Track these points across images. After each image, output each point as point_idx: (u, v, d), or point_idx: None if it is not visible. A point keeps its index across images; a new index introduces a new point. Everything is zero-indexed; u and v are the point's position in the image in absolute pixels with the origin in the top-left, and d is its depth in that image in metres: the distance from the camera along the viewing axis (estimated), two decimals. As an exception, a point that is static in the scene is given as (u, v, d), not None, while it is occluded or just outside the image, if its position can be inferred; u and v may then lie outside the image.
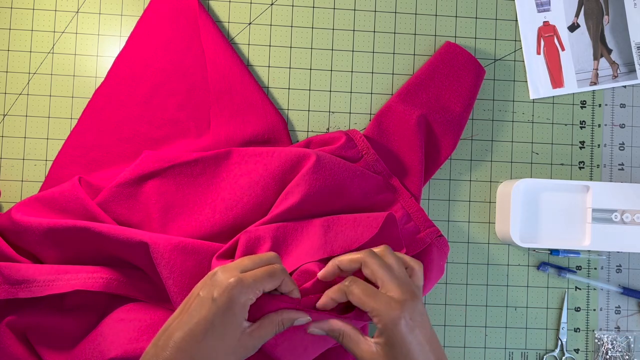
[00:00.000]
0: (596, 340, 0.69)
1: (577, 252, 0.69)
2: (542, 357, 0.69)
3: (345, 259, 0.51)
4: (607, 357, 0.68)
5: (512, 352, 0.69)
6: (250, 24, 0.69)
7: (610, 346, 0.69)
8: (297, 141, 0.69)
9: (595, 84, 0.71)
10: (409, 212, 0.64)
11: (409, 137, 0.66)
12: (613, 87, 0.72)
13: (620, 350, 0.69)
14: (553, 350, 0.69)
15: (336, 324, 0.50)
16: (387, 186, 0.65)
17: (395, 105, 0.67)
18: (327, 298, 0.50)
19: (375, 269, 0.49)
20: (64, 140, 0.67)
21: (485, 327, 0.69)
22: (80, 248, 0.60)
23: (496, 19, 0.71)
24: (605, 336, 0.69)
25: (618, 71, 0.71)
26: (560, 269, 0.69)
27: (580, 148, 0.71)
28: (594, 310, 0.70)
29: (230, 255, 0.58)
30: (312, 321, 0.50)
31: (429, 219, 0.64)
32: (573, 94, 0.72)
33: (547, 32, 0.71)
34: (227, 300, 0.45)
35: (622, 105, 0.72)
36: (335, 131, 0.68)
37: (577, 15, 0.71)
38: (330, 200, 0.61)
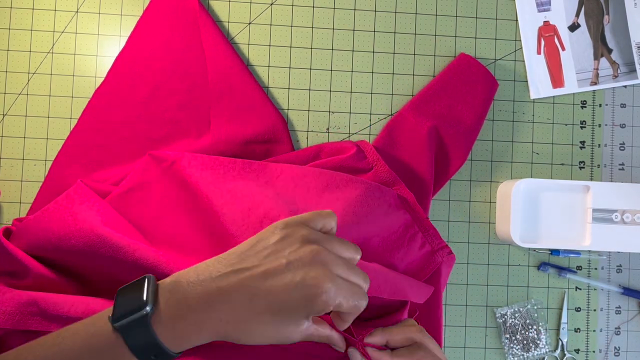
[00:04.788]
0: (497, 318, 0.68)
1: (577, 252, 0.69)
2: (543, 357, 0.69)
3: (399, 337, 0.52)
4: (508, 326, 0.68)
5: (512, 352, 0.69)
6: (250, 23, 0.69)
7: (512, 318, 0.68)
8: (297, 141, 0.69)
9: (595, 83, 0.71)
10: (424, 234, 0.63)
11: (419, 149, 0.66)
12: (613, 87, 0.72)
13: (520, 318, 0.68)
14: (553, 351, 0.69)
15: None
16: (406, 211, 0.63)
17: (406, 116, 0.67)
18: (382, 338, 0.52)
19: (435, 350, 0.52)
20: (64, 140, 0.67)
21: (486, 327, 0.69)
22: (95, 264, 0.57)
23: (496, 19, 0.71)
24: (506, 311, 0.68)
25: (618, 71, 0.71)
26: (561, 269, 0.69)
27: (581, 148, 0.71)
28: (594, 310, 0.70)
29: None
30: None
31: (442, 239, 0.63)
32: (573, 93, 0.71)
33: (547, 32, 0.71)
34: (311, 298, 0.42)
35: (623, 105, 0.72)
36: (345, 140, 0.68)
37: (577, 15, 0.71)
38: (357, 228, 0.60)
